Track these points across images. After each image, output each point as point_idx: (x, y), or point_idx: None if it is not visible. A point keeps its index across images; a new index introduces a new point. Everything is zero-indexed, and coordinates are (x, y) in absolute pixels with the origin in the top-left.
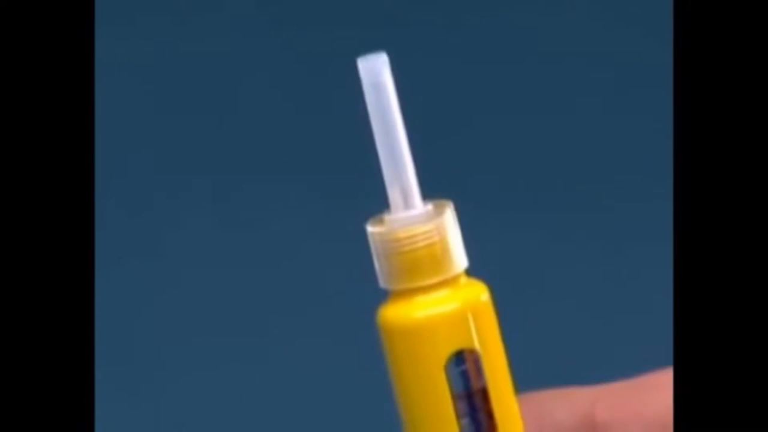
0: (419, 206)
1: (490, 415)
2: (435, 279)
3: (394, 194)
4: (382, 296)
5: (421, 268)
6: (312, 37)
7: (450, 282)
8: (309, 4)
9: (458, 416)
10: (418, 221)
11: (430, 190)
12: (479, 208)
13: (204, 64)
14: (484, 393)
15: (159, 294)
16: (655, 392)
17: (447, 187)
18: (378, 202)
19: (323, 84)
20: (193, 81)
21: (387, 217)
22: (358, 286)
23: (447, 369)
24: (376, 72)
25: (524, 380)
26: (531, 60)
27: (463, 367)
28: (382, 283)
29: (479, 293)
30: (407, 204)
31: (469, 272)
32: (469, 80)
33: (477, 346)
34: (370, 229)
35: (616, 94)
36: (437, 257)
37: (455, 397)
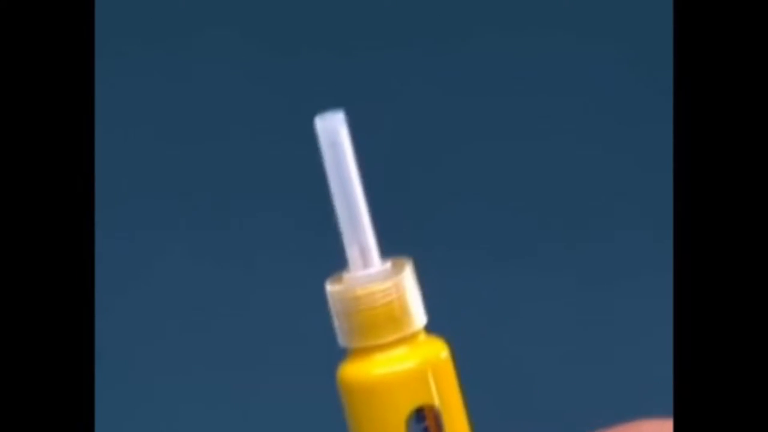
0: (377, 264)
1: None
2: (394, 337)
3: (352, 252)
4: (341, 354)
5: (379, 326)
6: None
7: (409, 339)
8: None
9: None
10: (377, 279)
11: (389, 243)
12: (442, 259)
13: (182, 106)
14: None
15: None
16: None
17: (407, 239)
18: (337, 259)
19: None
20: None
21: (345, 275)
22: (318, 344)
23: (408, 426)
24: (334, 131)
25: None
26: (494, 101)
27: (424, 424)
28: (341, 341)
29: (439, 350)
30: (366, 262)
31: (429, 329)
32: (428, 128)
33: (437, 402)
34: (329, 287)
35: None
36: (396, 315)
37: None
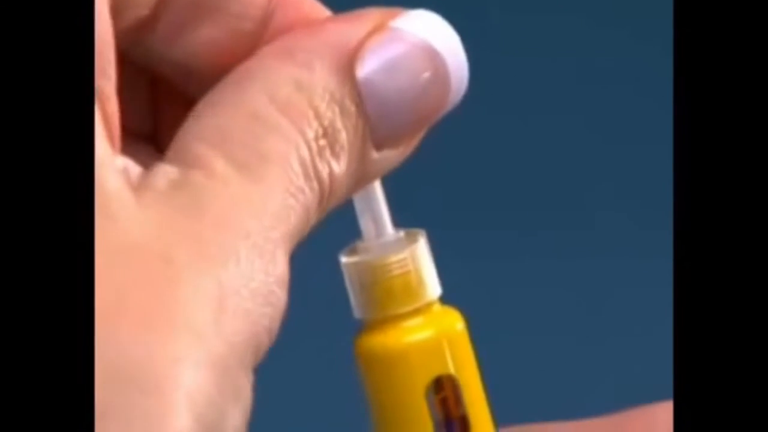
0: (391, 234)
1: None
2: (409, 307)
3: (366, 223)
4: (355, 325)
5: (395, 296)
6: None
7: (424, 310)
8: None
9: None
10: (392, 250)
11: (402, 215)
12: (454, 231)
13: None
14: (464, 420)
15: None
16: (636, 428)
17: (421, 210)
18: (350, 229)
19: None
20: None
21: (360, 245)
22: (332, 315)
23: (427, 396)
24: None
25: (506, 412)
26: (504, 79)
27: (442, 394)
28: (357, 312)
29: (454, 321)
30: (379, 232)
31: (444, 299)
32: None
33: (454, 373)
34: (344, 259)
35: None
36: (411, 286)
37: (435, 425)
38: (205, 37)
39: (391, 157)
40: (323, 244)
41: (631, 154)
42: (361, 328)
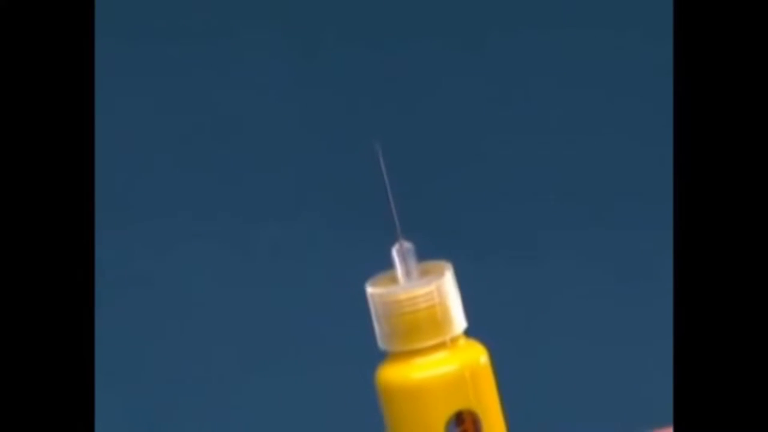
0: (418, 267)
1: None
2: (434, 341)
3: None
4: (378, 354)
5: (421, 329)
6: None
7: (449, 344)
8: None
9: None
10: (418, 283)
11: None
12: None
13: (208, 112)
14: None
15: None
16: None
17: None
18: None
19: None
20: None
21: (386, 276)
22: (356, 344)
23: (447, 429)
24: None
25: None
26: (514, 97)
27: (462, 427)
28: (381, 344)
29: (478, 355)
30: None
31: (468, 333)
32: (449, 130)
33: (475, 407)
34: (370, 290)
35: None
36: (437, 319)
37: None
38: None
39: None
40: (349, 274)
41: (631, 158)
42: (385, 358)
